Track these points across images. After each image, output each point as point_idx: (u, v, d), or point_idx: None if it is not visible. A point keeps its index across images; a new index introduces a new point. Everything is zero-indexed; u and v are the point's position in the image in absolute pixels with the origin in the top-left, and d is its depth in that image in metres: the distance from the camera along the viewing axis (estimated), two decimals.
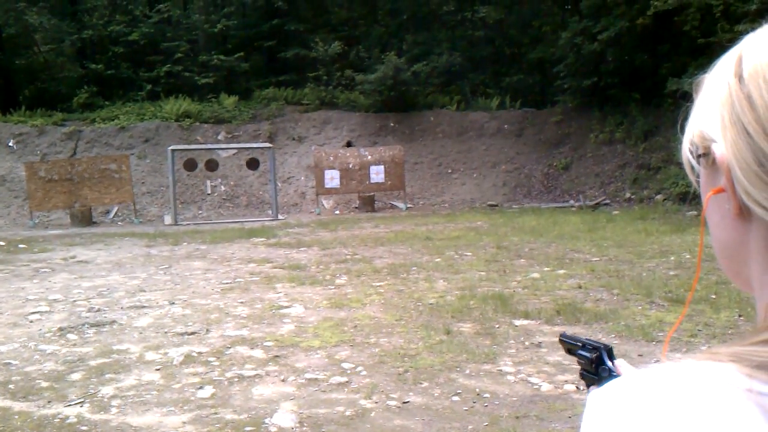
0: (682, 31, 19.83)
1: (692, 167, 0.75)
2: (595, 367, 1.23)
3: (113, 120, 25.01)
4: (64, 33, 27.84)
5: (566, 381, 5.18)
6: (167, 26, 28.80)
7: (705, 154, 0.70)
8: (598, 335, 6.30)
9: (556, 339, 5.17)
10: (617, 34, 21.33)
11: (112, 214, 21.90)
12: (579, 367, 1.29)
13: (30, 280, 10.60)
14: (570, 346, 1.34)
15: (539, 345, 6.16)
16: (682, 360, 0.64)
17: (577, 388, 5.03)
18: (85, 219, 20.52)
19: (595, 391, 0.70)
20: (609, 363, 1.22)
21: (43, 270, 11.62)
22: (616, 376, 1.18)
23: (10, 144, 23.72)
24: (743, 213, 0.67)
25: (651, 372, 0.65)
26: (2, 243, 15.53)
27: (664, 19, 20.48)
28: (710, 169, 0.71)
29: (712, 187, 0.71)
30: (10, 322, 7.69)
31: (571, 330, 6.48)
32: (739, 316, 6.73)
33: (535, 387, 5.12)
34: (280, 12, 28.46)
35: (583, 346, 1.28)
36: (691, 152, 0.73)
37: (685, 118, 0.76)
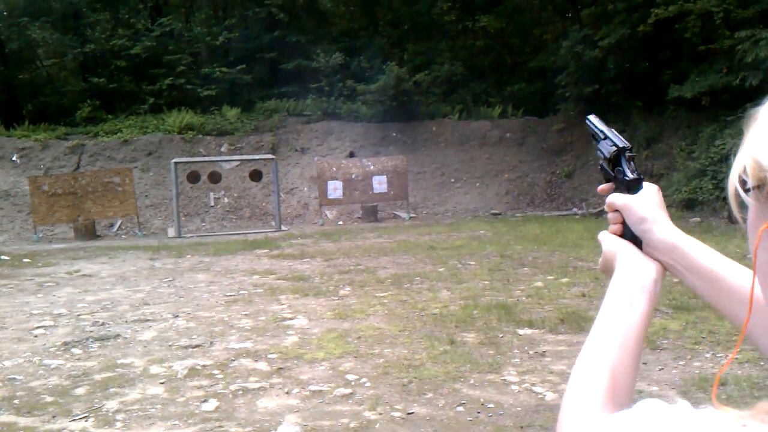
0: (683, 38, 19.86)
1: (739, 202, 0.71)
2: (612, 165, 1.22)
3: (116, 133, 25.10)
4: (67, 47, 27.97)
5: None
6: (169, 39, 28.90)
7: (759, 186, 0.67)
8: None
9: (560, 348, 5.17)
10: (618, 42, 21.36)
11: (115, 228, 21.94)
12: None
13: (34, 295, 10.61)
14: (594, 133, 1.31)
15: (543, 354, 6.15)
16: (742, 419, 0.57)
17: None
18: (88, 232, 20.56)
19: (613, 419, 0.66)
20: (625, 165, 1.19)
21: (47, 284, 11.63)
22: (629, 180, 1.17)
23: (14, 158, 23.81)
24: None
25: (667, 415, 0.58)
26: (6, 257, 15.56)
27: (664, 26, 20.50)
28: (764, 203, 0.68)
29: (766, 220, 0.67)
30: (14, 337, 7.70)
31: (575, 339, 6.48)
32: None
33: (539, 396, 5.11)
34: (281, 24, 28.56)
35: (605, 139, 1.26)
36: (741, 185, 0.69)
37: (733, 151, 0.72)
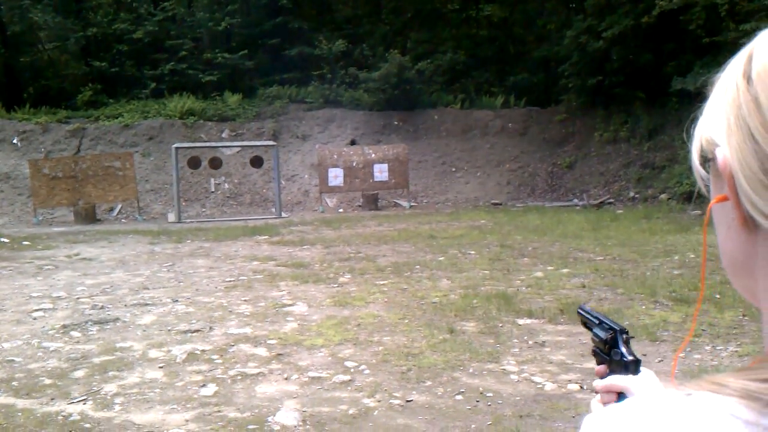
0: (688, 29, 19.80)
1: (700, 174, 0.71)
2: (608, 348, 1.23)
3: (117, 118, 25.02)
4: (69, 31, 27.85)
5: (570, 380, 5.17)
6: (171, 24, 28.79)
7: (711, 159, 0.66)
8: (603, 334, 6.27)
9: (560, 338, 5.18)
10: (622, 33, 21.27)
11: (115, 212, 21.92)
12: (592, 345, 1.29)
13: (34, 277, 10.61)
14: (586, 320, 1.34)
15: (543, 344, 6.14)
16: (686, 390, 0.60)
17: (580, 387, 5.02)
18: (88, 216, 20.54)
19: (590, 419, 0.67)
20: (623, 347, 1.21)
21: (46, 267, 11.63)
22: (627, 362, 1.18)
23: (15, 141, 23.75)
24: (748, 223, 0.62)
25: (652, 404, 0.61)
26: (6, 240, 15.54)
27: (669, 17, 20.42)
28: (715, 176, 0.67)
29: (716, 195, 0.67)
30: (13, 319, 7.69)
31: (575, 329, 6.47)
32: (743, 316, 6.70)
33: (538, 386, 5.10)
34: (284, 10, 28.43)
35: (599, 324, 1.28)
36: (701, 157, 0.69)
37: (693, 121, 0.73)
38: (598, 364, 1.25)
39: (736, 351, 5.67)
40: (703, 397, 0.59)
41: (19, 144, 23.70)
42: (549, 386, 5.09)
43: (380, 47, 28.21)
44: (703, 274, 0.78)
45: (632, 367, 1.18)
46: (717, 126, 0.65)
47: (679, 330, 6.37)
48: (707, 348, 5.83)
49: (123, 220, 21.18)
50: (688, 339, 6.06)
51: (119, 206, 22.00)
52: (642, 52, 22.12)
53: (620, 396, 1.16)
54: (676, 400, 0.60)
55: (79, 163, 21.27)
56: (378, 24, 30.80)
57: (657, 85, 21.32)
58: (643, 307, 7.31)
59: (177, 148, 20.90)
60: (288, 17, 28.41)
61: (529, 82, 28.26)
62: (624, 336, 1.22)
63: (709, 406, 0.58)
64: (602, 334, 1.25)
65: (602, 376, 1.22)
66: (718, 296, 7.48)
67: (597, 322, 1.29)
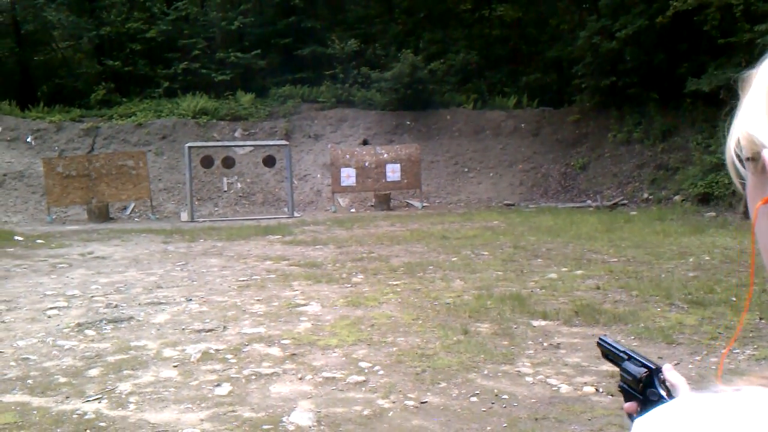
0: (702, 30, 19.67)
1: (737, 171, 0.68)
2: (643, 387, 1.17)
3: (130, 117, 25.11)
4: (83, 30, 27.94)
5: (585, 383, 5.13)
6: (185, 24, 28.84)
7: (753, 159, 0.64)
8: (618, 337, 6.24)
9: (575, 340, 5.13)
10: (636, 33, 21.18)
11: (128, 211, 21.99)
12: (619, 377, 1.24)
13: (48, 276, 10.65)
14: (610, 353, 1.28)
15: (558, 346, 6.11)
16: (738, 385, 0.60)
17: (596, 390, 4.99)
18: (101, 215, 20.62)
19: (643, 419, 0.66)
20: (659, 387, 1.15)
21: (60, 265, 11.67)
22: (663, 402, 1.12)
23: (29, 140, 23.86)
24: None
25: (702, 401, 0.60)
26: (20, 238, 15.62)
27: (683, 18, 20.29)
28: (759, 176, 0.65)
29: (762, 196, 0.65)
30: (28, 317, 7.72)
31: (591, 332, 6.44)
32: (760, 319, 6.65)
33: (554, 389, 5.08)
34: (296, 9, 28.44)
35: (630, 359, 1.22)
36: (737, 155, 0.67)
37: (730, 116, 0.70)
38: (627, 400, 1.20)
39: (754, 354, 5.62)
40: (753, 392, 0.59)
41: (33, 143, 23.81)
42: (564, 389, 5.07)
43: (393, 47, 28.18)
44: (752, 274, 0.76)
45: None
46: (760, 125, 0.63)
47: (695, 333, 6.33)
48: (724, 351, 5.78)
49: (136, 219, 21.24)
50: (735, 338, 6.01)
51: (132, 205, 22.07)
52: (656, 52, 21.99)
53: None
54: (726, 395, 0.60)
55: (93, 161, 21.35)
56: (390, 24, 30.77)
57: (671, 86, 21.20)
58: (659, 309, 7.26)
59: (190, 147, 20.95)
60: (301, 17, 28.42)
61: (542, 83, 28.16)
62: (660, 375, 1.17)
63: (760, 399, 0.58)
64: (635, 371, 1.19)
65: (632, 414, 1.17)
66: (734, 299, 7.44)
67: (626, 356, 1.23)
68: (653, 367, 1.18)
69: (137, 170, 21.26)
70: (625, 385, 1.21)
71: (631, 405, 1.19)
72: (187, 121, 24.76)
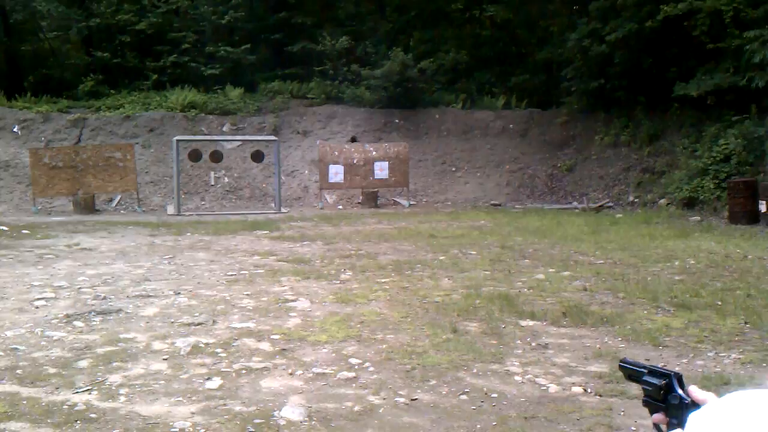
0: (691, 35, 19.80)
1: None
2: (664, 394, 1.21)
3: (118, 109, 25.00)
4: (71, 20, 27.77)
5: (573, 383, 5.18)
6: (175, 17, 28.76)
7: None
8: (605, 339, 6.30)
9: (563, 341, 5.17)
10: (625, 37, 21.28)
11: (114, 203, 21.90)
12: (643, 393, 1.27)
13: (34, 266, 10.60)
14: (632, 372, 1.32)
15: (546, 346, 6.16)
16: None
17: (584, 390, 5.03)
18: (87, 207, 20.53)
19: (699, 413, 0.68)
20: (680, 390, 1.19)
21: (47, 256, 11.62)
22: (688, 403, 1.16)
23: (15, 130, 23.72)
24: None
25: (753, 396, 0.62)
26: (5, 228, 15.53)
27: (673, 23, 20.42)
28: None
29: None
30: (15, 308, 7.69)
31: (577, 332, 6.50)
32: (745, 323, 6.73)
33: (542, 388, 5.12)
34: (287, 5, 28.41)
35: (650, 373, 1.27)
36: None
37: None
38: (653, 413, 1.24)
39: (739, 358, 5.69)
40: None
41: (19, 132, 23.66)
42: (553, 388, 5.11)
43: (383, 45, 28.19)
44: None
45: (693, 409, 1.16)
46: None
47: (682, 336, 6.39)
48: (710, 354, 5.85)
49: (122, 211, 21.17)
50: None
51: (118, 197, 21.99)
52: (645, 56, 22.12)
53: None
54: None
55: (80, 153, 21.26)
56: (381, 22, 30.79)
57: (659, 90, 21.33)
58: (645, 311, 7.32)
59: (178, 140, 20.90)
60: (291, 12, 28.39)
61: (531, 84, 28.25)
62: (679, 379, 1.21)
63: None
64: (656, 380, 1.23)
65: (661, 424, 1.21)
66: (719, 303, 7.51)
67: (645, 371, 1.28)
68: (671, 373, 1.22)
69: (124, 162, 21.18)
70: (648, 398, 1.25)
71: (657, 416, 1.23)
72: (176, 115, 24.68)
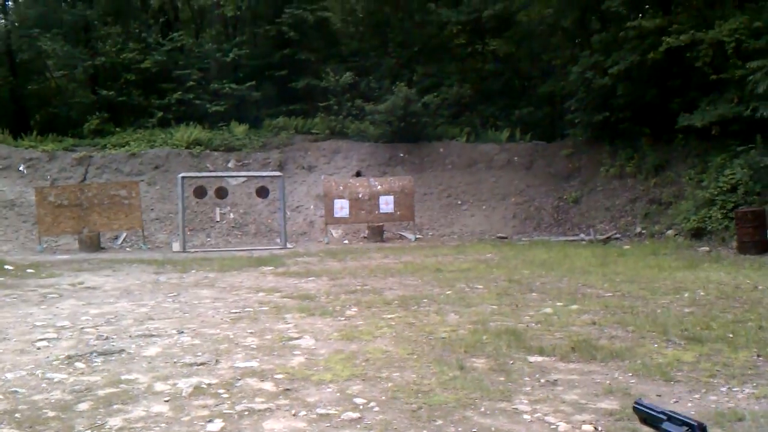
0: (694, 66, 19.83)
1: None
2: None
3: (124, 146, 25.11)
4: (77, 59, 28.03)
5: (584, 421, 5.05)
6: (179, 54, 29.00)
7: None
8: (615, 374, 6.17)
9: (572, 376, 5.04)
10: (628, 69, 21.35)
11: (120, 240, 21.88)
12: None
13: (37, 306, 10.53)
14: (649, 416, 1.23)
15: (555, 383, 6.03)
16: None
17: (595, 428, 4.90)
18: (93, 244, 20.50)
19: None
20: None
21: (50, 295, 11.55)
22: None
23: (21, 168, 23.79)
24: None
25: None
26: (10, 267, 15.48)
27: (675, 54, 20.49)
28: None
29: None
30: (17, 349, 7.60)
31: (587, 368, 6.37)
32: (758, 356, 6.59)
33: (552, 427, 4.98)
34: (291, 42, 28.63)
35: (669, 419, 1.18)
36: None
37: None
38: None
39: (753, 393, 5.55)
40: None
41: (25, 171, 23.74)
42: (563, 427, 4.98)
43: (387, 80, 28.34)
44: None
45: None
46: None
47: (693, 370, 6.26)
48: (723, 389, 5.71)
49: (127, 249, 21.13)
50: None
51: (124, 235, 21.97)
52: (648, 88, 22.16)
53: None
54: None
55: (85, 191, 21.29)
56: (384, 57, 30.98)
57: (663, 121, 21.34)
58: (656, 345, 7.19)
59: (183, 177, 20.93)
60: (295, 49, 28.60)
61: (535, 117, 28.34)
62: (702, 431, 1.12)
63: None
64: (676, 430, 1.15)
65: None
66: (731, 335, 7.38)
67: (665, 417, 1.19)
68: (694, 424, 1.12)
69: (129, 200, 21.19)
70: None
71: None
72: (181, 152, 24.76)
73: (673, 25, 19.77)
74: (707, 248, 16.62)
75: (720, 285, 10.99)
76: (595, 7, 24.37)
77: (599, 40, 23.47)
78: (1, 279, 13.72)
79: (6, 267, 15.52)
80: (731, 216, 16.82)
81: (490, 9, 26.92)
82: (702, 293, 10.27)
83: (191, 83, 27.51)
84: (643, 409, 1.26)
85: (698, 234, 17.87)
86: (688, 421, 1.13)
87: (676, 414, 1.17)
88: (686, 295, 10.22)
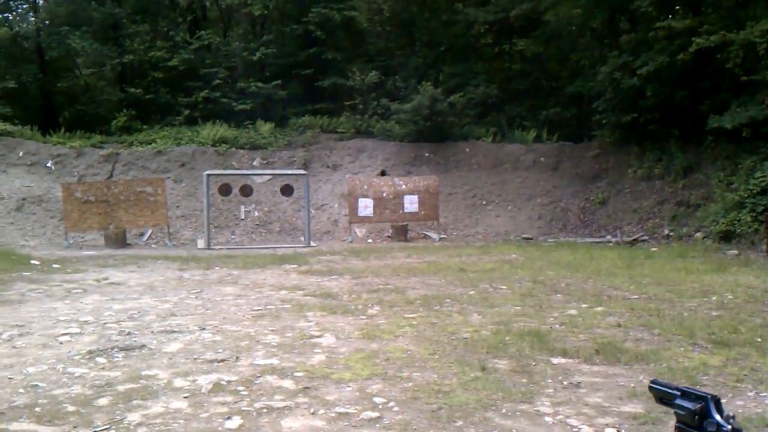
0: (724, 68, 19.56)
1: None
2: (699, 420, 1.06)
3: (150, 144, 25.28)
4: (106, 57, 28.25)
5: (607, 424, 4.96)
6: (207, 53, 29.13)
7: None
8: (640, 377, 6.06)
9: (596, 379, 4.94)
10: (657, 70, 21.09)
11: (146, 237, 22.00)
12: (675, 419, 1.13)
13: (62, 301, 10.59)
14: (663, 393, 1.18)
15: (578, 385, 5.93)
16: None
17: (618, 431, 4.81)
18: (119, 241, 20.63)
19: None
20: (717, 416, 1.04)
21: (75, 291, 11.62)
22: (723, 431, 1.01)
23: (48, 164, 24.02)
24: None
25: None
26: (37, 262, 15.61)
27: (705, 55, 20.22)
28: None
29: None
30: (40, 343, 7.63)
31: (611, 371, 6.26)
32: None
33: (574, 430, 4.90)
34: (318, 41, 28.63)
35: (683, 395, 1.12)
36: None
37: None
38: None
39: None
40: None
41: (52, 167, 23.96)
42: (585, 430, 4.89)
43: (413, 79, 28.25)
44: None
45: None
46: None
47: (720, 374, 6.13)
48: (750, 395, 5.59)
49: (153, 245, 21.24)
50: None
51: (149, 231, 22.10)
52: (677, 89, 21.89)
53: None
54: None
55: (112, 187, 21.44)
56: (411, 56, 30.89)
57: (692, 123, 21.06)
58: (682, 349, 7.07)
59: (208, 175, 21.01)
60: (322, 48, 28.61)
61: (562, 117, 28.11)
62: (716, 403, 1.06)
63: None
64: (690, 404, 1.08)
65: None
66: (759, 340, 7.24)
67: (678, 393, 1.13)
68: (707, 396, 1.07)
69: (155, 197, 21.30)
70: (681, 425, 1.10)
71: None
72: (207, 149, 24.87)
73: (704, 25, 19.50)
74: (736, 251, 16.36)
75: (749, 288, 10.81)
76: (624, 7, 24.09)
77: (628, 41, 23.21)
78: (27, 274, 13.84)
79: (32, 262, 15.66)
80: (761, 219, 16.55)
81: (518, 8, 26.68)
82: (730, 297, 10.10)
83: (218, 81, 27.62)
84: (658, 387, 1.21)
85: (727, 237, 17.60)
86: (702, 394, 1.08)
87: (690, 389, 1.12)
88: (714, 298, 10.05)
